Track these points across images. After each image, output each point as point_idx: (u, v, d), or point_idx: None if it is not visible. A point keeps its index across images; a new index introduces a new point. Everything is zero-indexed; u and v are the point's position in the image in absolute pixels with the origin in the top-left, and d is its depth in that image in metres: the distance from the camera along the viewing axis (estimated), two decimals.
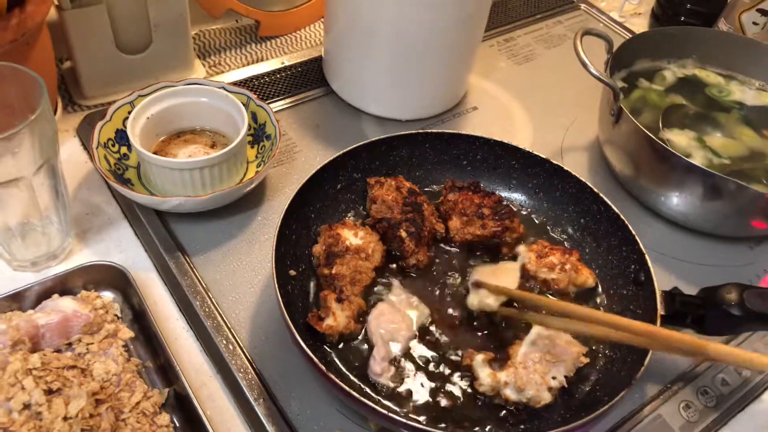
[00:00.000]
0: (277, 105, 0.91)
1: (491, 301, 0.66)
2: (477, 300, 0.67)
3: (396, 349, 0.64)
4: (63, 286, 0.66)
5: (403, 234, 0.71)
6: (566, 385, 0.62)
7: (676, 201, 0.79)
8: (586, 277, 0.71)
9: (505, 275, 0.70)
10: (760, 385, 0.69)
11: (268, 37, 1.03)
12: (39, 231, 0.68)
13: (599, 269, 0.73)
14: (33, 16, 0.69)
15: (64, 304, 0.62)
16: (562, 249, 0.73)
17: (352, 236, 0.71)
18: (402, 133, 0.78)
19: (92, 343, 0.62)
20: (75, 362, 0.59)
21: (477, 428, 0.60)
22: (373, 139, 0.76)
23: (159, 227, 0.74)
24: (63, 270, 0.66)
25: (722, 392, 0.68)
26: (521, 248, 0.73)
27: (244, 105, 0.78)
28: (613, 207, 0.72)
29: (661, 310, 0.64)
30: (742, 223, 0.78)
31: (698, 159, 0.82)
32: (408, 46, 0.84)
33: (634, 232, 0.70)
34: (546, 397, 0.61)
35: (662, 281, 0.74)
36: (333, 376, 0.55)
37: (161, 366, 0.63)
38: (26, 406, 0.53)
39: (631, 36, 0.91)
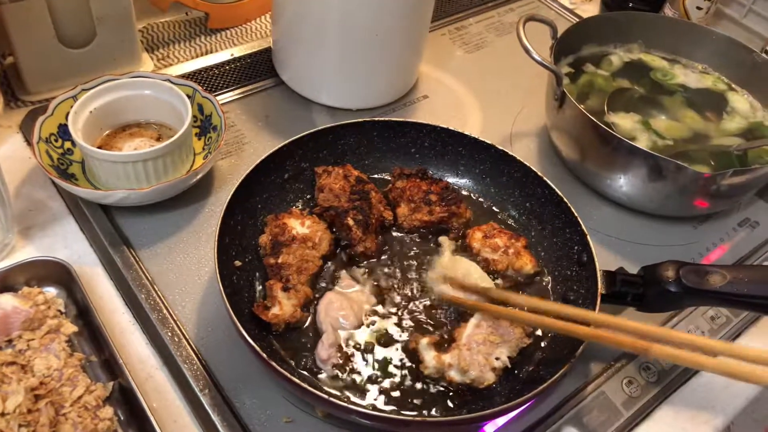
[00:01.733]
0: (226, 96, 0.91)
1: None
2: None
3: (343, 335, 0.64)
4: (4, 282, 0.65)
5: (351, 222, 0.72)
6: (509, 366, 0.63)
7: (620, 183, 0.81)
8: (525, 263, 0.72)
9: (463, 268, 0.71)
10: None
11: (217, 29, 1.02)
12: None
13: (544, 251, 0.74)
14: None
15: (3, 301, 0.61)
16: (510, 234, 0.74)
17: (299, 225, 0.71)
18: (349, 121, 0.78)
19: (33, 339, 0.61)
20: (15, 359, 0.59)
21: (423, 411, 0.61)
22: (320, 127, 0.76)
23: (104, 222, 0.73)
24: (4, 266, 0.65)
25: (663, 367, 0.69)
26: (442, 239, 0.74)
27: (189, 97, 0.77)
28: (557, 190, 0.73)
29: (602, 289, 0.65)
30: (685, 203, 0.80)
31: (643, 141, 0.84)
32: (356, 36, 0.84)
33: (576, 214, 0.71)
34: (490, 378, 0.62)
35: (608, 262, 0.76)
36: (276, 366, 0.55)
37: (106, 360, 0.63)
38: None
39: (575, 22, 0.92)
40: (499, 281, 0.71)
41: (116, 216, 0.75)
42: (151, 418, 0.57)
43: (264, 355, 0.56)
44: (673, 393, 0.68)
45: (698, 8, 1.07)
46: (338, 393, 0.60)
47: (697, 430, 0.66)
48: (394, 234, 0.75)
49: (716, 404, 0.68)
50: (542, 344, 0.67)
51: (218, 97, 0.80)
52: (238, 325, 0.57)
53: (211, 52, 0.99)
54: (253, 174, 0.70)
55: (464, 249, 0.73)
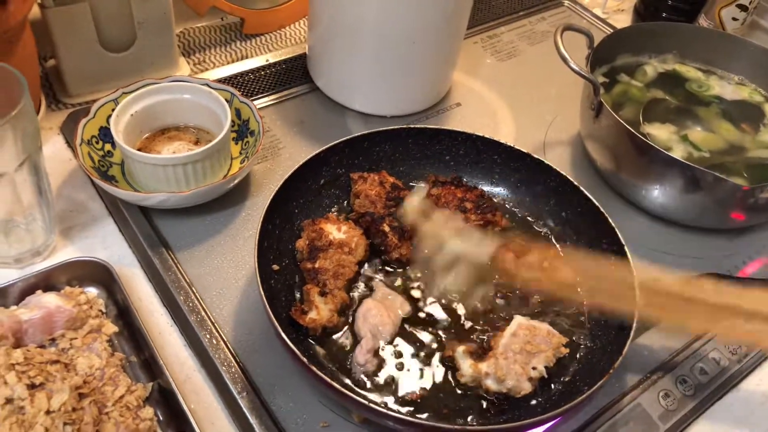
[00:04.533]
0: (262, 102, 0.92)
1: None
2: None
3: (381, 342, 0.65)
4: (47, 282, 0.66)
5: (387, 228, 0.72)
6: (546, 376, 0.63)
7: (656, 194, 0.80)
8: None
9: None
10: (737, 374, 0.70)
11: (253, 35, 1.04)
12: (23, 228, 0.68)
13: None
14: (15, 14, 0.69)
15: (48, 300, 0.62)
16: (539, 247, 0.73)
17: (335, 231, 0.71)
18: (385, 128, 0.78)
19: (76, 338, 0.62)
20: (58, 357, 0.59)
21: (459, 419, 0.61)
22: (356, 134, 0.77)
23: (143, 223, 0.74)
24: (47, 266, 0.66)
25: (700, 381, 0.69)
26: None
27: (227, 102, 0.78)
28: (593, 200, 0.73)
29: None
30: (722, 215, 0.80)
31: (679, 152, 0.83)
32: (391, 44, 0.85)
33: (613, 224, 0.71)
34: (526, 387, 0.62)
35: (644, 272, 0.75)
36: (315, 369, 0.56)
37: (145, 361, 0.64)
38: (8, 400, 0.53)
39: (612, 31, 0.92)
40: (530, 298, 0.71)
41: (155, 218, 0.76)
42: (191, 420, 0.57)
43: (303, 359, 0.56)
44: (710, 407, 0.67)
45: (734, 19, 1.06)
46: (375, 398, 0.61)
47: None
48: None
49: (753, 419, 0.67)
50: (578, 355, 0.66)
51: (254, 102, 0.81)
52: (279, 328, 0.58)
53: (246, 58, 1.00)
54: (290, 179, 0.71)
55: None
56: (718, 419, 0.67)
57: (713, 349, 0.71)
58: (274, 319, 0.58)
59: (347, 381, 0.62)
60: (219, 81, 0.85)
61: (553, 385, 0.64)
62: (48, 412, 0.54)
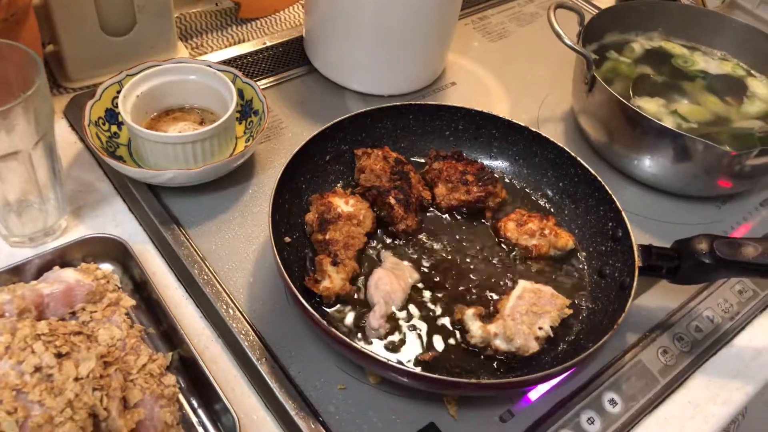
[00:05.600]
0: (261, 84, 0.93)
1: None
2: None
3: (393, 308, 0.67)
4: (62, 259, 0.67)
5: (392, 201, 0.74)
6: (552, 335, 0.66)
7: (648, 164, 0.83)
8: (566, 240, 0.74)
9: None
10: (730, 331, 0.74)
11: (248, 19, 1.05)
12: (36, 208, 0.69)
13: (578, 229, 0.77)
14: None
15: (67, 275, 0.64)
16: (538, 215, 0.76)
17: (343, 204, 0.73)
18: (386, 105, 0.80)
19: (95, 311, 0.63)
20: (81, 329, 0.61)
21: (471, 377, 0.63)
22: (359, 111, 0.79)
23: (153, 201, 0.76)
24: (63, 243, 0.67)
25: (696, 338, 0.72)
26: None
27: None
28: (590, 169, 0.76)
29: (639, 262, 0.68)
30: (710, 183, 0.83)
31: (668, 124, 0.86)
32: (388, 25, 0.87)
33: (610, 192, 0.74)
34: (534, 346, 0.64)
35: (637, 239, 0.78)
36: (336, 331, 0.58)
37: (164, 332, 0.65)
38: (37, 368, 0.55)
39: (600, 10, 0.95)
40: (531, 264, 0.73)
41: (164, 196, 0.77)
42: (215, 384, 0.59)
43: (323, 322, 0.58)
44: (705, 362, 0.71)
45: None
46: (391, 358, 0.63)
47: (730, 396, 0.68)
48: (433, 213, 0.78)
49: (746, 373, 0.71)
50: (580, 316, 0.69)
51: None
52: (298, 295, 0.60)
53: (243, 42, 1.01)
54: (298, 155, 0.73)
55: (499, 240, 0.75)
56: (714, 373, 0.70)
57: (707, 309, 0.75)
58: (292, 285, 0.60)
59: (362, 344, 0.64)
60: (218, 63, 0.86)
61: (559, 344, 0.67)
62: (77, 379, 0.55)
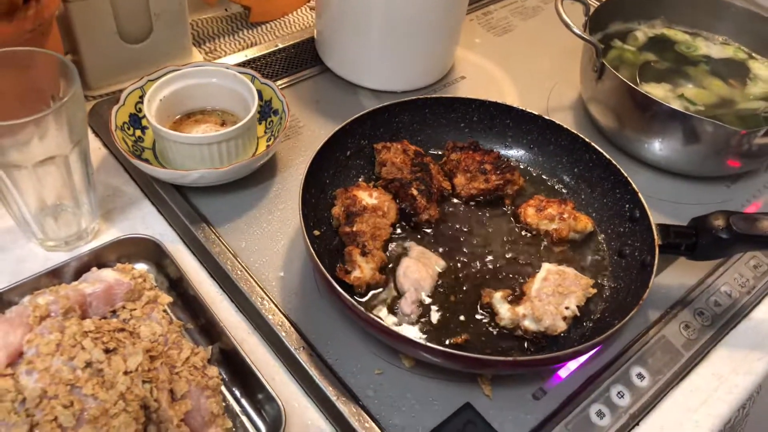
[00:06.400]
0: (276, 85, 0.95)
1: None
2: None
3: (423, 294, 0.69)
4: (98, 260, 0.69)
5: (415, 192, 0.76)
6: (578, 314, 0.68)
7: (658, 147, 0.86)
8: (585, 223, 0.76)
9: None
10: (747, 304, 0.76)
11: (258, 23, 1.07)
12: (70, 212, 0.71)
13: (596, 212, 0.79)
14: (48, 6, 0.72)
15: (106, 274, 0.65)
16: (557, 201, 0.78)
17: (368, 197, 0.75)
18: (403, 99, 0.82)
19: (135, 309, 0.65)
20: (123, 326, 0.62)
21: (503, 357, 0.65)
22: (377, 106, 0.81)
23: (181, 202, 0.77)
24: (98, 245, 0.69)
25: (716, 312, 0.74)
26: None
27: None
28: (605, 153, 0.78)
29: (658, 240, 0.70)
30: (719, 163, 0.85)
31: (676, 107, 0.89)
32: (399, 22, 0.89)
33: (626, 174, 0.76)
34: (561, 326, 0.66)
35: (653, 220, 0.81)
36: (372, 315, 0.60)
37: (202, 326, 0.67)
38: (88, 364, 0.56)
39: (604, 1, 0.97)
40: (552, 248, 0.76)
41: (191, 197, 0.79)
42: (258, 374, 0.61)
43: (360, 307, 0.60)
44: (726, 335, 0.73)
45: None
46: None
47: (751, 366, 0.71)
48: (453, 203, 0.80)
49: (766, 344, 0.73)
50: (604, 295, 0.71)
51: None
52: (334, 283, 0.62)
53: (254, 45, 1.03)
54: (321, 151, 0.75)
55: (519, 226, 0.78)
56: (735, 345, 0.72)
57: (724, 284, 0.77)
58: (328, 275, 0.62)
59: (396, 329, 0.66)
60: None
61: (584, 323, 0.69)
62: (126, 373, 0.57)
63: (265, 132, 0.85)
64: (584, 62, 0.92)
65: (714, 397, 0.68)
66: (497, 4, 1.18)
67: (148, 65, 0.91)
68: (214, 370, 0.62)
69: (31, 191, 0.66)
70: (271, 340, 0.67)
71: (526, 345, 0.67)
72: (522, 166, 0.85)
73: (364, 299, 0.68)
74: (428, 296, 0.69)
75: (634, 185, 0.75)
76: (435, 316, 0.68)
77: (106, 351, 0.58)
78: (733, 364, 0.71)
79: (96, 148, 0.84)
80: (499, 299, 0.68)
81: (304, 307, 0.70)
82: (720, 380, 0.69)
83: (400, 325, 0.67)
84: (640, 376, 0.68)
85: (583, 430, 0.63)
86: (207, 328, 0.67)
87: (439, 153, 0.85)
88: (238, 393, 0.63)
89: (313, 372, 0.64)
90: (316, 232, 0.72)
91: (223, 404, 0.62)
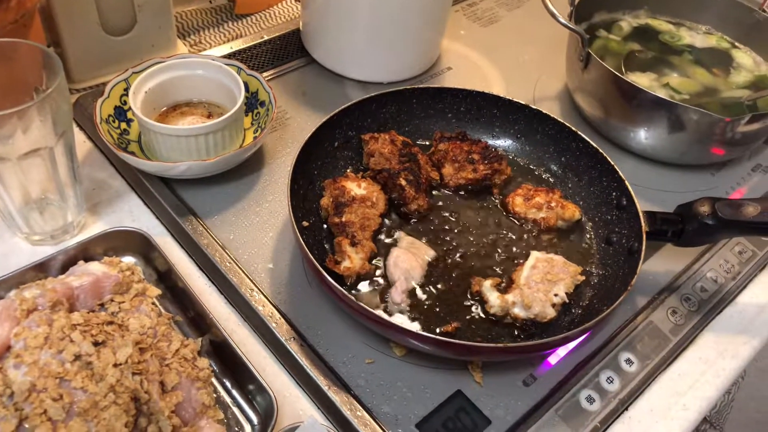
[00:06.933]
0: (263, 76, 0.94)
1: None
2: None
3: (413, 283, 0.69)
4: (85, 253, 0.68)
5: (403, 182, 0.76)
6: (568, 301, 0.68)
7: (644, 135, 0.86)
8: (573, 211, 0.77)
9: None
10: (733, 290, 0.77)
11: (244, 14, 1.06)
12: (56, 206, 0.70)
13: (583, 201, 0.79)
14: None
15: (93, 268, 0.65)
16: (545, 189, 0.79)
17: (356, 187, 0.75)
18: (390, 90, 0.82)
19: (123, 302, 0.65)
20: (112, 319, 0.62)
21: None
22: (364, 97, 0.81)
23: (168, 194, 0.77)
24: (85, 238, 0.68)
25: (702, 298, 0.75)
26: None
27: None
28: (591, 142, 0.79)
29: (645, 227, 0.70)
30: (704, 151, 0.86)
31: (661, 96, 0.89)
32: (385, 13, 0.89)
33: (612, 162, 0.76)
34: (551, 313, 0.67)
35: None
36: (363, 304, 0.60)
37: (192, 319, 0.67)
38: (77, 357, 0.56)
39: None
40: (540, 236, 0.76)
41: (178, 189, 0.78)
42: (249, 365, 0.61)
43: (350, 297, 0.60)
44: (713, 320, 0.74)
45: None
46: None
47: (738, 350, 0.72)
48: (441, 193, 0.80)
49: (751, 328, 0.74)
50: (592, 282, 0.72)
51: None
52: (324, 273, 0.62)
53: (239, 37, 1.02)
54: (309, 142, 0.74)
55: (508, 215, 0.78)
56: (721, 330, 0.73)
57: (710, 270, 0.78)
58: (318, 265, 0.62)
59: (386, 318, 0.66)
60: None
61: (573, 310, 0.69)
62: (115, 365, 0.56)
63: (252, 124, 0.84)
64: (570, 52, 0.92)
65: (701, 380, 0.69)
66: None
67: (132, 58, 0.91)
68: (204, 362, 0.62)
69: (15, 185, 0.65)
70: (261, 332, 0.67)
71: (515, 332, 0.67)
72: (510, 156, 0.85)
73: (354, 289, 0.68)
74: (418, 285, 0.69)
75: (620, 173, 0.75)
76: (425, 305, 0.68)
77: (95, 344, 0.58)
78: (720, 349, 0.72)
79: (81, 141, 0.84)
80: (488, 287, 0.68)
81: (293, 298, 0.69)
82: (707, 364, 0.70)
83: (390, 314, 0.67)
84: (628, 361, 0.68)
85: (573, 415, 0.64)
86: (196, 320, 0.66)
87: (427, 143, 0.85)
88: (229, 384, 0.63)
89: (304, 362, 0.64)
90: (305, 223, 0.72)
91: (214, 395, 0.61)
